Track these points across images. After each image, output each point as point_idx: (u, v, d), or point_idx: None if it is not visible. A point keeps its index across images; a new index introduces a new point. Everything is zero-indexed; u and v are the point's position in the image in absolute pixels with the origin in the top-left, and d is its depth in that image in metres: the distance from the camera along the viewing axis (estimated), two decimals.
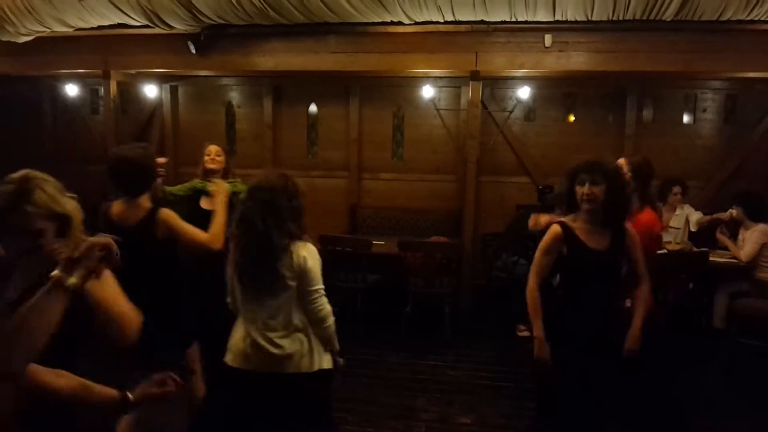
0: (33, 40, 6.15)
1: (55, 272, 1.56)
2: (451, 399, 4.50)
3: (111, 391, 1.75)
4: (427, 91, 6.88)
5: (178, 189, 4.16)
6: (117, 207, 3.19)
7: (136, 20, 5.70)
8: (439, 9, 5.25)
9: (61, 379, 1.68)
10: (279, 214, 2.59)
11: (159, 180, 3.58)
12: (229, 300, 2.83)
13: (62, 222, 1.74)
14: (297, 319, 2.67)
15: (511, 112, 6.98)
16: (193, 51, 5.96)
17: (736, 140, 6.70)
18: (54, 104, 8.04)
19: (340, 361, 2.88)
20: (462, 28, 5.62)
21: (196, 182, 4.20)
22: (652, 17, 5.17)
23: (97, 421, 1.79)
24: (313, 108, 7.50)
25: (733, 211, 5.35)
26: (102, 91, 7.00)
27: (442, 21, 5.53)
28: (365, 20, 5.55)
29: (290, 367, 2.66)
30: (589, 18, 5.30)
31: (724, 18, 5.06)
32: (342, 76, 6.90)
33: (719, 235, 5.51)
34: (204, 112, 7.75)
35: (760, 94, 6.51)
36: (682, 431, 4.17)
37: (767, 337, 4.75)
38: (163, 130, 7.77)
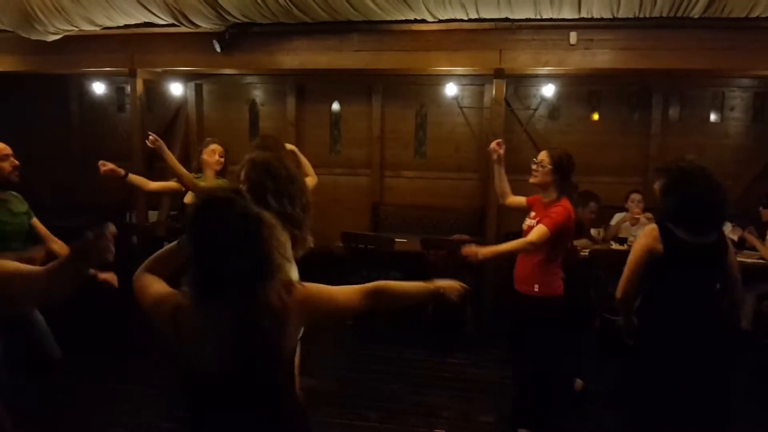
0: (61, 38, 6.24)
1: None
2: (473, 397, 4.50)
3: None
4: (450, 89, 6.87)
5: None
6: None
7: (163, 19, 5.76)
8: (463, 6, 5.23)
9: None
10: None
11: None
12: None
13: None
14: None
15: (535, 110, 6.94)
16: (218, 49, 6.00)
17: (764, 139, 6.58)
18: (81, 102, 8.16)
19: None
20: (486, 25, 5.60)
21: (222, 181, 4.28)
22: (679, 14, 5.09)
23: None
24: (335, 106, 7.53)
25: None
26: (128, 89, 7.10)
27: (465, 18, 5.51)
28: (389, 18, 5.55)
29: None
30: (615, 15, 5.24)
31: (753, 15, 4.98)
32: (365, 74, 6.90)
33: (747, 235, 5.43)
34: (228, 110, 7.81)
35: None
36: None
37: None
38: (188, 127, 7.84)
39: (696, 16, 5.08)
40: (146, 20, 5.87)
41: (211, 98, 7.88)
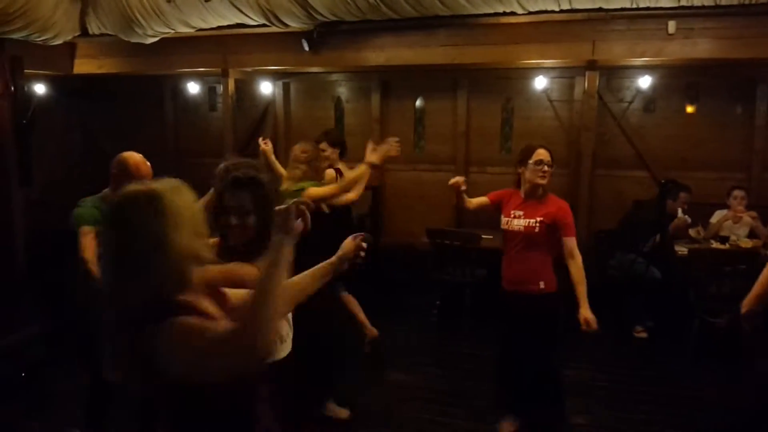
0: (158, 41, 6.51)
1: None
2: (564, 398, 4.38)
3: None
4: (540, 82, 6.68)
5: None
6: None
7: (254, 20, 5.92)
8: None
9: None
10: None
11: None
12: None
13: None
14: None
15: (630, 102, 6.66)
16: (307, 48, 6.11)
17: None
18: (175, 101, 8.48)
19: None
20: (578, 16, 5.42)
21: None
22: None
23: None
24: (419, 102, 7.52)
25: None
26: (220, 88, 7.34)
27: (557, 10, 5.36)
28: (477, 12, 5.48)
29: None
30: (717, 2, 4.96)
31: None
32: (450, 70, 6.85)
33: None
34: (314, 107, 7.94)
35: None
36: None
37: None
38: (276, 125, 8.03)
39: None
40: (238, 21, 6.04)
41: (297, 96, 8.03)
